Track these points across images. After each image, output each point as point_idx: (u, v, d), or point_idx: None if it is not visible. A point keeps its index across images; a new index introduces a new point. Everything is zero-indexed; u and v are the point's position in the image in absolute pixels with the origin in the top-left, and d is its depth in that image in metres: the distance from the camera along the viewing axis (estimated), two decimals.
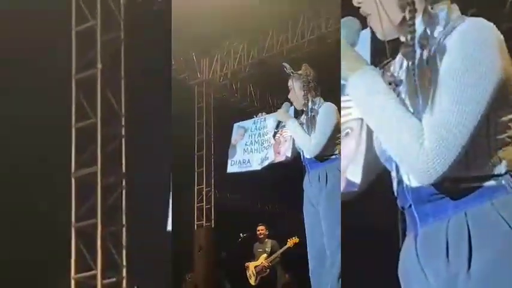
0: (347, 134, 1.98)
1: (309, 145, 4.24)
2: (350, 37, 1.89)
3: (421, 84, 1.70)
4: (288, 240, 8.78)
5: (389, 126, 1.70)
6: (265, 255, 8.98)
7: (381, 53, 1.92)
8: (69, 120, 5.98)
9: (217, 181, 11.53)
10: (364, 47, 1.92)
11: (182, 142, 10.46)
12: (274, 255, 8.87)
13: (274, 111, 9.53)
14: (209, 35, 10.47)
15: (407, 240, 1.88)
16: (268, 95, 11.92)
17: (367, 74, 1.77)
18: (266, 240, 9.14)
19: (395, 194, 1.90)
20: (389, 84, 1.80)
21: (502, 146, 1.73)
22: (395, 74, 1.84)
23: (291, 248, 8.72)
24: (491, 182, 1.71)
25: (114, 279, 6.10)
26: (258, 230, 9.24)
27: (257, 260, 9.01)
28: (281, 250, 8.82)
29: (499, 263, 1.64)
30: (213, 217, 11.49)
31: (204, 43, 10.92)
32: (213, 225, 11.44)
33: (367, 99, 1.74)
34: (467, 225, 1.67)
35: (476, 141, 1.65)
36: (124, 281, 6.10)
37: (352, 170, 1.95)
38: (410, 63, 1.75)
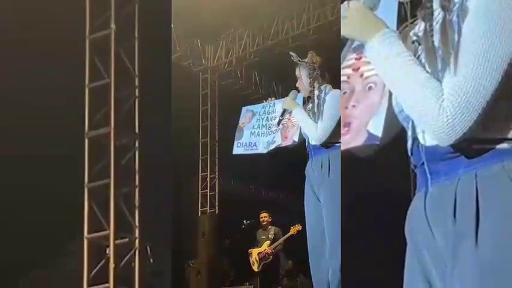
0: (370, 88, 1.98)
1: (315, 132, 4.27)
2: (369, 1, 1.90)
3: (441, 45, 1.70)
4: (291, 227, 8.87)
5: (409, 88, 1.71)
6: (268, 242, 9.06)
7: (405, 15, 1.97)
8: (82, 81, 6.00)
9: (221, 168, 11.55)
10: (389, 9, 1.94)
11: (187, 129, 10.50)
12: (277, 243, 8.96)
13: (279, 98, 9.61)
14: (214, 21, 10.53)
15: (417, 198, 1.89)
16: (273, 83, 11.98)
17: (385, 37, 1.78)
18: (270, 227, 9.23)
19: (410, 152, 1.92)
20: (413, 43, 1.85)
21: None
22: (419, 34, 1.85)
23: (294, 235, 8.82)
24: (505, 145, 1.71)
25: (126, 240, 6.12)
26: (261, 217, 9.33)
27: (260, 246, 9.10)
28: (284, 237, 8.92)
29: (505, 225, 1.64)
30: (217, 204, 11.48)
31: (209, 30, 10.98)
32: (217, 212, 11.44)
33: (385, 62, 1.76)
34: (476, 186, 1.68)
35: (495, 103, 1.65)
36: (136, 241, 6.11)
37: (374, 123, 1.95)
38: (428, 24, 1.78)
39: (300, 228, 8.48)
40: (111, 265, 6.01)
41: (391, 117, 1.97)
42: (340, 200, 4.16)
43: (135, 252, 6.10)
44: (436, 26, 1.74)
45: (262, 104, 5.11)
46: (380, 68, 1.81)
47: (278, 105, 4.90)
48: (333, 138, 4.25)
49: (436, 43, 1.72)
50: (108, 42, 6.06)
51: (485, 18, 1.62)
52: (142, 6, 6.10)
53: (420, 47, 1.81)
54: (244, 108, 5.20)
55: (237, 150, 5.12)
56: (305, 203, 4.48)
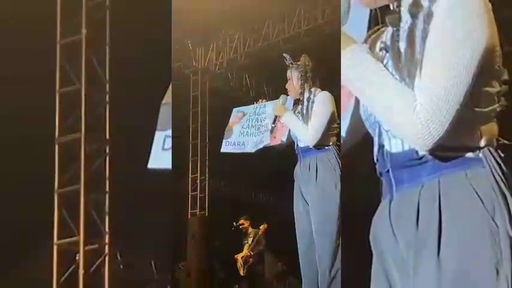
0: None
1: (307, 134, 4.26)
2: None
3: (408, 51, 1.73)
4: (259, 228, 9.14)
5: (381, 97, 1.73)
6: (247, 245, 9.19)
7: (376, 22, 1.99)
8: (53, 86, 5.98)
9: (211, 170, 11.51)
10: (360, 17, 1.99)
11: (177, 130, 10.45)
12: (252, 244, 9.10)
13: (269, 99, 9.57)
14: (205, 23, 10.49)
15: (382, 205, 1.91)
16: (263, 85, 11.92)
17: (355, 51, 1.81)
18: (250, 230, 9.33)
19: (375, 159, 1.93)
20: (380, 50, 1.87)
21: (485, 120, 1.77)
22: (387, 41, 1.86)
23: (261, 234, 9.11)
24: (469, 154, 1.73)
25: (96, 246, 6.10)
26: (240, 224, 9.43)
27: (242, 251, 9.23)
28: (256, 239, 9.10)
29: (467, 234, 1.67)
30: (207, 206, 11.45)
31: (200, 32, 10.95)
32: (206, 214, 11.42)
33: (356, 74, 1.79)
34: (439, 193, 1.71)
35: (461, 111, 1.66)
36: (106, 247, 6.09)
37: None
38: (395, 29, 1.80)
39: (266, 226, 9.02)
40: (81, 271, 6.00)
41: (356, 123, 2.03)
42: (328, 202, 4.18)
43: (104, 259, 6.07)
44: (404, 33, 1.77)
45: (253, 105, 5.08)
46: (351, 80, 1.82)
47: (269, 107, 4.88)
48: (322, 141, 4.25)
49: (403, 49, 1.75)
50: (80, 46, 6.03)
51: (451, 24, 1.65)
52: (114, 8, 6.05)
53: (387, 54, 1.82)
54: (234, 109, 5.18)
55: (225, 148, 5.11)
56: (294, 205, 4.46)
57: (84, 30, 6.01)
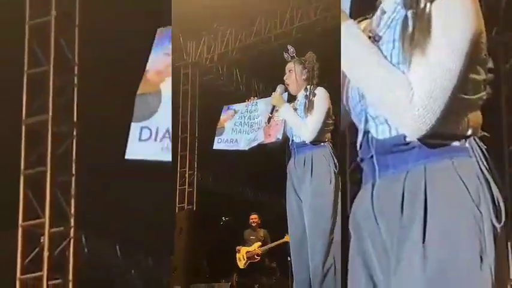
0: None
1: (305, 130, 4.25)
2: None
3: (401, 39, 1.74)
4: (286, 234, 9.04)
5: (377, 80, 1.73)
6: (259, 243, 9.24)
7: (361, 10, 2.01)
8: (21, 67, 5.97)
9: (200, 164, 11.47)
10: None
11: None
12: (267, 246, 9.17)
13: (260, 97, 9.59)
14: (197, 17, 10.47)
15: (363, 191, 1.90)
16: (254, 80, 11.88)
17: (351, 29, 1.82)
18: (259, 229, 9.41)
19: (358, 146, 1.92)
20: (369, 38, 1.84)
21: (472, 108, 1.78)
22: (376, 31, 1.85)
23: (286, 242, 9.02)
24: (456, 142, 1.74)
25: (61, 228, 6.07)
26: (251, 219, 9.50)
27: (250, 246, 9.28)
28: (276, 242, 9.06)
29: (452, 221, 1.67)
30: (194, 200, 11.41)
31: (192, 25, 10.91)
32: (194, 208, 11.37)
33: (352, 54, 1.79)
34: (425, 180, 1.70)
35: (452, 98, 1.67)
36: (72, 230, 6.07)
37: None
38: (389, 17, 1.83)
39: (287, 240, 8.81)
40: (45, 254, 5.97)
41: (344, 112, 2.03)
42: (322, 198, 4.19)
43: (69, 241, 6.04)
44: (398, 20, 1.78)
45: (244, 103, 5.07)
46: (345, 59, 1.82)
47: (261, 104, 4.89)
48: (318, 137, 4.26)
49: (397, 36, 1.75)
50: (49, 28, 6.02)
51: (441, 12, 1.68)
52: None
53: (376, 43, 1.81)
54: (225, 107, 5.16)
55: (218, 145, 5.10)
56: (287, 200, 4.45)
57: (53, 12, 6.00)
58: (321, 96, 4.29)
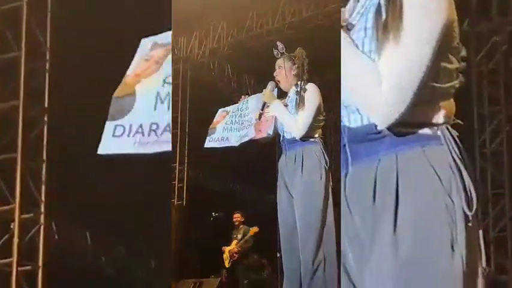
0: None
1: (296, 126, 4.23)
2: None
3: (374, 27, 1.75)
4: (251, 228, 9.28)
5: (348, 69, 1.76)
6: (236, 241, 9.35)
7: None
8: None
9: (190, 160, 11.44)
10: None
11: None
12: (240, 242, 9.30)
13: (251, 93, 9.56)
14: (188, 12, 10.44)
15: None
16: (245, 76, 11.84)
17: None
18: (241, 226, 9.48)
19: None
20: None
21: (444, 96, 1.77)
22: (348, 20, 1.87)
23: (252, 236, 9.27)
24: (427, 130, 1.73)
25: (32, 215, 6.04)
26: (234, 217, 9.58)
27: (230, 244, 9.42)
28: (245, 238, 9.29)
29: (423, 209, 1.67)
30: (185, 196, 11.37)
31: (183, 20, 10.88)
32: (184, 204, 11.34)
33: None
34: (397, 168, 1.71)
35: (422, 87, 1.66)
36: (42, 217, 6.03)
37: None
38: (362, 6, 1.84)
39: (257, 230, 9.15)
40: (15, 240, 5.94)
41: None
42: (313, 194, 4.15)
43: (40, 228, 6.01)
44: (370, 8, 1.79)
45: (236, 104, 5.07)
46: None
47: (252, 100, 4.88)
48: (308, 133, 4.24)
49: (369, 24, 1.76)
50: (20, 14, 6.00)
51: (420, 1, 1.68)
52: None
53: (348, 32, 1.83)
54: (220, 110, 5.16)
55: (209, 144, 5.10)
56: (278, 197, 4.43)
57: None
58: (312, 92, 4.27)
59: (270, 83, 4.45)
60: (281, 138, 4.43)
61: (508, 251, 6.84)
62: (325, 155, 4.22)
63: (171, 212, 11.11)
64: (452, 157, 1.70)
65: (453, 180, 1.67)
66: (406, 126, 1.70)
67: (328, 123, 13.75)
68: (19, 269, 5.92)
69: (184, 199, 11.41)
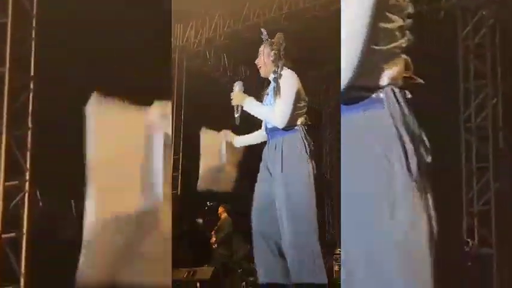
0: None
1: (273, 116, 4.21)
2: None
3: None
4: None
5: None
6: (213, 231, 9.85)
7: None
8: None
9: (185, 149, 11.43)
10: None
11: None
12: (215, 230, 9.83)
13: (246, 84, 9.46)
14: (185, 1, 10.47)
15: None
16: (241, 66, 11.84)
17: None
18: (222, 217, 9.88)
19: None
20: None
21: (387, 57, 1.73)
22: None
23: (223, 220, 9.83)
24: (370, 94, 1.73)
25: (16, 182, 6.02)
26: (218, 211, 9.99)
27: None
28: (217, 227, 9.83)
29: (363, 173, 1.70)
30: (179, 185, 11.35)
31: (179, 9, 10.90)
32: (179, 193, 11.32)
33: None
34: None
35: (364, 50, 1.64)
36: (27, 184, 6.02)
37: None
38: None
39: (222, 209, 9.83)
40: (0, 207, 5.92)
41: None
42: (292, 185, 4.13)
43: (24, 195, 5.99)
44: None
45: None
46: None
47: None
48: (289, 122, 4.21)
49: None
50: None
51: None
52: None
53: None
54: None
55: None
56: (257, 181, 4.40)
57: None
58: (287, 78, 4.24)
59: (236, 83, 4.43)
60: (265, 128, 4.42)
61: (492, 224, 6.81)
62: (306, 144, 4.20)
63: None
64: (393, 121, 1.67)
65: (394, 144, 1.65)
66: (355, 91, 1.70)
67: (326, 115, 13.71)
68: (3, 236, 5.89)
69: (179, 188, 11.38)
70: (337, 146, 12.80)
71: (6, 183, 5.97)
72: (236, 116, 4.38)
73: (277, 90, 4.18)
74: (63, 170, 5.99)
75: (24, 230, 5.95)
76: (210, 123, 4.99)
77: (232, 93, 4.38)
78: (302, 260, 4.06)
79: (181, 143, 11.47)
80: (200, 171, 4.80)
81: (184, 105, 11.46)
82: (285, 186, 4.12)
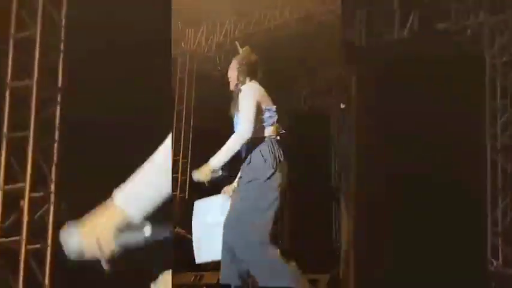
0: None
1: (237, 133, 4.30)
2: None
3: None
4: None
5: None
6: None
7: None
8: (7, 31, 5.96)
9: (194, 153, 11.45)
10: None
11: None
12: None
13: None
14: (196, 5, 10.48)
15: None
16: None
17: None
18: None
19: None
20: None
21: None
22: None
23: None
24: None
25: (42, 193, 6.03)
26: None
27: None
28: None
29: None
30: (187, 189, 11.36)
31: (191, 13, 10.91)
32: (186, 197, 11.33)
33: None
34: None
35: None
36: (52, 196, 6.03)
37: None
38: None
39: None
40: (25, 218, 5.94)
41: None
42: (253, 194, 4.28)
43: (49, 207, 6.00)
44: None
45: None
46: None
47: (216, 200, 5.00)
48: (256, 134, 4.30)
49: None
50: None
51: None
52: None
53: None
54: None
55: None
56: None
57: None
58: (245, 91, 4.36)
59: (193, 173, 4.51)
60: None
61: None
62: (275, 154, 4.25)
63: (174, 205, 11.11)
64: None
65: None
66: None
67: (333, 121, 13.69)
68: (28, 247, 5.91)
69: (187, 192, 11.40)
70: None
71: (31, 195, 5.98)
72: (224, 191, 4.64)
73: (237, 106, 4.29)
74: (88, 182, 6.02)
75: (49, 242, 5.96)
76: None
77: (193, 175, 4.45)
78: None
79: (189, 147, 11.48)
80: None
81: (193, 110, 11.48)
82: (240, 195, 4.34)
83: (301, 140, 10.21)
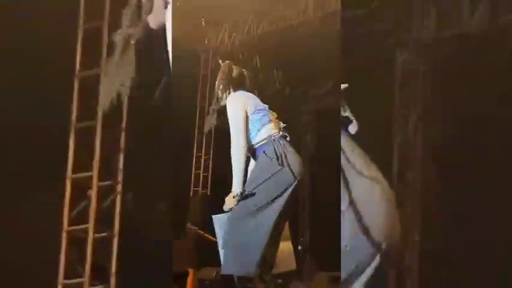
0: None
1: (234, 147, 4.49)
2: None
3: None
4: None
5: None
6: None
7: None
8: (72, 70, 6.04)
9: (216, 149, 11.54)
10: None
11: (184, 109, 10.49)
12: None
13: (278, 86, 9.69)
14: (219, 3, 10.57)
15: None
16: (274, 69, 11.95)
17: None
18: None
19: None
20: None
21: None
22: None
23: None
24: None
25: (109, 182, 6.09)
26: None
27: None
28: None
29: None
30: (209, 185, 11.45)
31: (214, 11, 10.99)
32: (208, 193, 11.42)
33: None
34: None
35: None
36: (119, 186, 6.08)
37: None
38: None
39: None
40: (93, 206, 6.00)
41: None
42: (259, 195, 4.42)
43: (116, 197, 6.06)
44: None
45: None
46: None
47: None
48: (257, 139, 4.52)
49: None
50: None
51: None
52: None
53: None
54: None
55: None
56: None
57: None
58: (229, 104, 4.60)
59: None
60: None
61: None
62: (279, 151, 4.41)
63: (194, 201, 11.19)
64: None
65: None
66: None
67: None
68: (95, 235, 5.98)
69: (209, 188, 11.49)
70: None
71: (100, 183, 6.04)
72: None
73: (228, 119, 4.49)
74: (155, 172, 6.12)
75: (116, 231, 6.02)
76: None
77: (224, 208, 4.68)
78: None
79: (212, 143, 11.57)
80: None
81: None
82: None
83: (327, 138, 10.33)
